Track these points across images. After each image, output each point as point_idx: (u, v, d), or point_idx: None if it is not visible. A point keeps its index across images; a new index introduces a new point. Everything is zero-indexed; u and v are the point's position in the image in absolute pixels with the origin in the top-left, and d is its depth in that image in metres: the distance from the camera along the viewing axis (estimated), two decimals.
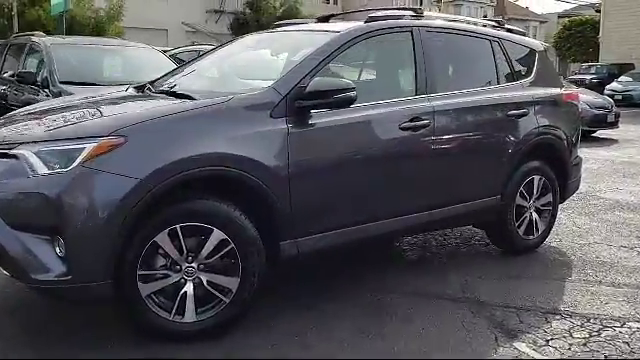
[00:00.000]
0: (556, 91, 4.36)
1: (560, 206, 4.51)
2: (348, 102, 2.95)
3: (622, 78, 21.93)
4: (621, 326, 3.02)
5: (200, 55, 4.20)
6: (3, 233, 2.42)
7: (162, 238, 2.56)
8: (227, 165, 2.65)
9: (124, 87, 3.79)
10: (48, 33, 14.13)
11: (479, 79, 3.96)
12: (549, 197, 4.21)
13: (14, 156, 2.51)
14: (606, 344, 2.82)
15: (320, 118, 2.98)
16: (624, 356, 2.71)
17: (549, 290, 3.50)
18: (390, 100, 3.35)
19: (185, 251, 2.62)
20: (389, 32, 3.50)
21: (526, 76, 4.21)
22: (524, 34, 4.51)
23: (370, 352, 2.70)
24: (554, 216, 4.34)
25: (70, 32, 14.02)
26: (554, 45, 34.98)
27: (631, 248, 4.36)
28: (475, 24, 4.16)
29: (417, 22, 3.62)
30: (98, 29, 16.53)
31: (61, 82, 6.04)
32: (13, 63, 7.51)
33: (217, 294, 2.69)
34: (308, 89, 2.88)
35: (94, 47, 7.26)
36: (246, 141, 2.72)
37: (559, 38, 34.43)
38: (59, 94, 5.66)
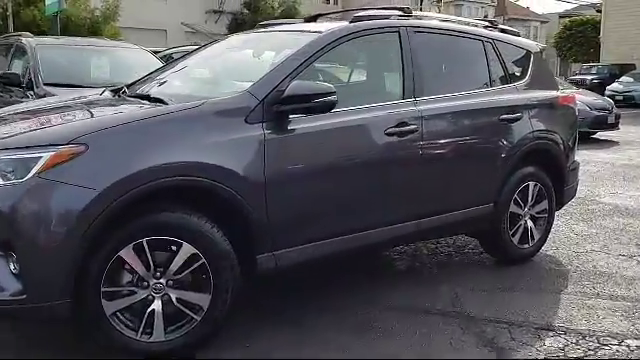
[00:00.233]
0: (552, 94, 4.19)
1: (557, 212, 4.34)
2: (328, 107, 2.78)
3: (623, 79, 21.72)
4: (619, 344, 2.85)
5: (182, 56, 4.03)
6: None
7: (127, 253, 2.40)
8: (197, 175, 2.49)
9: (100, 90, 3.63)
10: (43, 33, 14.07)
11: (470, 82, 3.79)
12: (545, 204, 4.04)
13: None
14: None
15: (300, 123, 2.82)
16: None
17: (543, 303, 3.33)
18: (375, 104, 3.19)
19: (152, 266, 2.46)
20: (375, 32, 3.34)
21: (520, 78, 4.04)
22: (518, 35, 4.33)
23: None
24: (550, 224, 4.17)
25: (65, 32, 13.87)
26: (555, 45, 34.81)
27: (630, 257, 4.19)
28: (467, 24, 3.99)
29: (405, 22, 3.45)
30: (94, 29, 16.36)
31: (46, 84, 5.89)
32: (3, 64, 7.38)
33: (187, 312, 2.53)
34: (286, 93, 2.72)
35: (82, 48, 7.08)
36: (218, 149, 2.56)
37: (560, 38, 34.24)
38: (44, 96, 5.51)
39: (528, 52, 4.19)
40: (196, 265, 2.51)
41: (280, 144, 2.74)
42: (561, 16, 46.76)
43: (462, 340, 2.86)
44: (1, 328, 2.88)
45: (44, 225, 2.22)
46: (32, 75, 6.02)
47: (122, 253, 2.39)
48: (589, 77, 24.52)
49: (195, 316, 2.54)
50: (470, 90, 3.68)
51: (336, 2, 38.25)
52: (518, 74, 4.07)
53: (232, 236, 2.62)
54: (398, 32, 3.38)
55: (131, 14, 22.49)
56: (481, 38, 3.87)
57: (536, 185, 3.95)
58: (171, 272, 2.49)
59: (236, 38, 3.89)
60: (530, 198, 3.94)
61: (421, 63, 3.40)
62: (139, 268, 2.44)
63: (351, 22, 3.29)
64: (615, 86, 20.93)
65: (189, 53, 3.93)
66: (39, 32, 14.51)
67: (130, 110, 2.81)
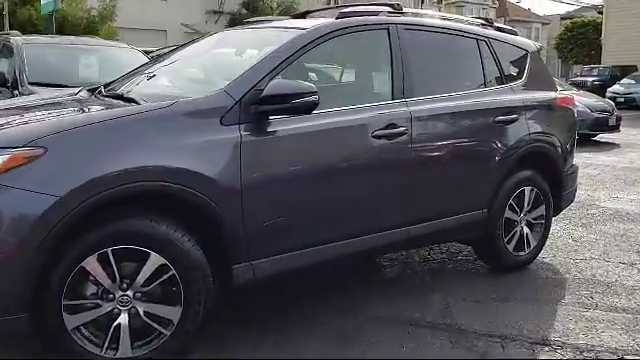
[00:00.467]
0: (550, 95, 4.02)
1: (555, 216, 4.17)
2: (309, 107, 2.62)
3: (624, 80, 21.54)
4: None
5: (164, 54, 3.87)
6: None
7: (91, 263, 2.24)
8: (167, 180, 2.32)
9: (76, 89, 3.47)
10: (39, 33, 13.92)
11: (464, 82, 3.63)
12: (542, 210, 3.88)
13: None
14: None
15: (281, 125, 2.66)
16: None
17: (539, 315, 3.17)
18: (363, 105, 3.02)
19: (118, 278, 2.30)
20: (363, 29, 3.17)
21: (517, 78, 3.87)
22: (515, 33, 4.17)
23: None
24: (547, 230, 4.00)
25: (61, 32, 13.72)
26: (556, 47, 34.61)
27: (631, 265, 4.02)
28: (461, 22, 3.82)
29: (395, 19, 3.29)
30: (90, 29, 16.21)
31: (31, 83, 5.75)
32: None
33: (156, 326, 2.36)
34: (264, 92, 2.56)
35: (70, 47, 6.92)
36: (190, 152, 2.39)
37: (561, 40, 34.03)
38: (28, 95, 5.36)
39: (525, 51, 4.02)
40: (165, 276, 2.35)
41: (258, 147, 2.58)
42: (562, 18, 46.51)
43: (451, 355, 2.69)
44: None
45: None
46: (17, 74, 5.88)
47: (85, 263, 2.23)
48: (590, 79, 24.33)
49: (164, 330, 2.37)
50: (463, 90, 3.52)
51: (336, 1, 38.05)
52: (514, 74, 3.91)
53: (205, 245, 2.46)
54: (387, 29, 3.22)
55: (130, 14, 22.35)
56: (475, 36, 3.71)
57: (532, 190, 3.78)
58: (138, 284, 2.33)
59: (218, 35, 3.72)
60: (526, 203, 3.77)
61: (411, 62, 3.24)
62: (104, 279, 2.28)
63: (337, 18, 3.13)
64: (616, 88, 20.76)
65: (171, 51, 3.77)
66: (35, 31, 14.40)
67: (96, 111, 2.65)
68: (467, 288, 3.52)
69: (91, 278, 2.27)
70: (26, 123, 2.43)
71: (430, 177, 3.28)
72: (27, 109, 2.82)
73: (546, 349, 2.78)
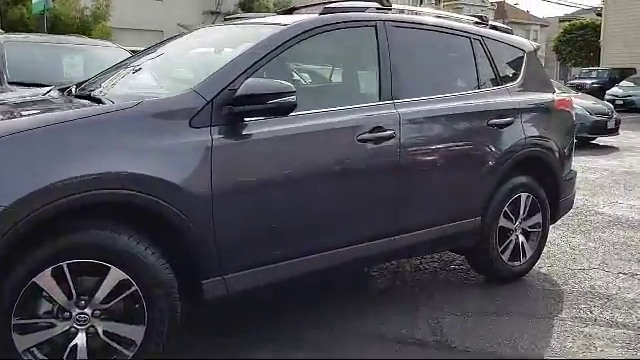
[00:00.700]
0: (547, 97, 3.83)
1: (553, 224, 3.98)
2: (287, 109, 2.43)
3: (623, 83, 21.41)
4: None
5: (141, 52, 3.68)
6: None
7: (44, 278, 2.04)
8: (128, 187, 2.12)
9: (47, 89, 3.27)
10: (31, 32, 13.70)
11: (456, 83, 3.45)
12: (538, 217, 3.69)
13: None
14: None
15: (257, 128, 2.46)
16: None
17: (534, 331, 2.98)
18: (347, 107, 2.83)
19: (75, 294, 2.10)
20: (348, 26, 2.98)
21: (512, 80, 3.68)
22: (511, 32, 3.98)
23: None
24: (544, 239, 3.81)
25: (54, 31, 13.52)
26: (554, 49, 34.50)
27: (632, 275, 3.83)
28: (454, 20, 3.63)
29: (383, 15, 3.10)
30: (83, 29, 15.98)
31: (11, 82, 5.55)
32: None
33: (117, 346, 2.17)
34: (238, 92, 2.36)
35: (54, 46, 6.73)
36: (155, 156, 2.20)
37: (559, 42, 33.91)
38: None
39: (521, 51, 3.83)
40: (127, 293, 2.15)
41: (231, 151, 2.39)
42: (561, 20, 46.40)
43: None
44: None
45: None
46: None
47: (38, 279, 2.03)
48: (589, 81, 24.18)
49: (126, 351, 2.18)
50: (455, 92, 3.34)
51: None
52: (510, 75, 3.72)
53: (172, 259, 2.26)
54: (375, 26, 3.03)
55: (126, 14, 22.16)
56: (469, 35, 3.52)
57: (528, 197, 3.60)
58: (97, 301, 2.13)
59: (198, 33, 3.53)
60: (522, 211, 3.58)
61: (400, 61, 3.05)
62: (59, 296, 2.08)
63: (321, 14, 2.94)
64: (615, 90, 20.63)
65: (149, 48, 3.57)
66: (26, 31, 14.17)
67: (54, 112, 2.45)
68: (459, 301, 3.33)
69: (44, 295, 2.07)
70: None
71: (420, 183, 3.09)
72: None
73: None
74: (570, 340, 2.88)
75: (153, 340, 2.20)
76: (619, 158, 9.40)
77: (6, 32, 9.25)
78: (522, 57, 3.81)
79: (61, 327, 2.10)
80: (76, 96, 2.84)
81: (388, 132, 2.88)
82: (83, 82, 3.28)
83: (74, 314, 2.11)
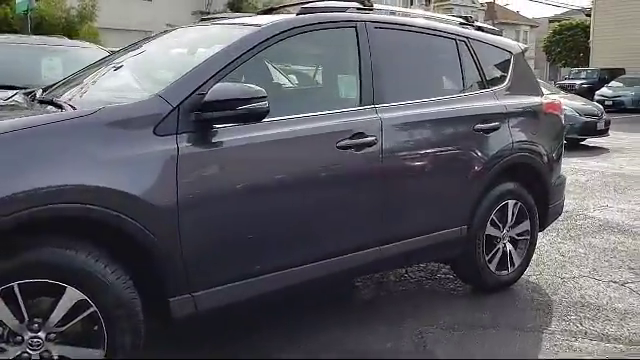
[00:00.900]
0: (535, 100, 3.71)
1: (541, 231, 3.86)
2: (259, 115, 2.29)
3: (612, 83, 21.46)
4: None
5: (116, 52, 3.52)
6: None
7: None
8: (85, 201, 1.97)
9: (12, 93, 3.11)
10: (14, 32, 13.45)
11: (441, 86, 3.32)
12: (526, 225, 3.57)
13: None
14: None
15: (228, 135, 2.32)
16: None
17: (523, 345, 2.86)
18: (326, 112, 2.69)
19: (27, 317, 1.94)
20: (327, 27, 2.84)
21: (499, 83, 3.56)
22: (498, 33, 3.86)
23: None
24: (533, 246, 3.68)
25: (38, 32, 13.27)
26: (544, 50, 34.60)
27: (622, 284, 3.72)
28: (438, 20, 3.50)
29: (364, 16, 2.96)
30: (69, 29, 15.72)
31: None
32: None
33: None
34: (206, 97, 2.22)
35: (33, 47, 6.54)
36: (116, 167, 2.05)
37: (549, 42, 34.01)
38: None
39: (508, 53, 3.71)
40: (85, 314, 2.00)
41: (200, 160, 2.24)
42: (551, 20, 46.57)
43: None
44: None
45: None
46: None
47: None
48: (578, 82, 24.22)
49: None
50: (440, 96, 3.20)
51: None
52: (497, 78, 3.60)
53: (136, 276, 2.11)
54: (355, 27, 2.89)
55: (114, 15, 21.91)
56: (454, 36, 3.39)
57: (516, 203, 3.48)
58: (52, 323, 1.97)
59: (174, 33, 3.37)
60: (509, 218, 3.46)
61: (382, 64, 2.91)
62: (9, 319, 1.92)
63: (298, 14, 2.80)
64: (604, 91, 20.67)
65: (123, 49, 3.42)
66: (10, 31, 13.91)
67: (9, 118, 2.28)
68: (445, 313, 3.20)
69: None
70: None
71: (403, 192, 2.96)
72: None
73: None
74: (560, 355, 2.75)
75: None
76: (609, 159, 9.34)
77: None
78: (509, 59, 3.68)
79: (13, 352, 1.95)
80: (39, 101, 2.68)
81: (369, 138, 2.74)
82: (51, 86, 3.12)
83: (26, 338, 1.96)
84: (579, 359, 2.43)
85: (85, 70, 3.27)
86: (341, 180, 2.70)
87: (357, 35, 2.88)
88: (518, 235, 3.55)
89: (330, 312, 3.19)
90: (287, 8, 3.58)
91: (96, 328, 2.03)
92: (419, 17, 3.40)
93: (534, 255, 3.80)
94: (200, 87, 2.27)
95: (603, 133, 10.92)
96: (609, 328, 3.06)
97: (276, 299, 2.72)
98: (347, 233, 2.75)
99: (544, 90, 4.17)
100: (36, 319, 1.96)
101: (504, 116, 3.38)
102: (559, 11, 45.47)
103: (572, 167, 8.11)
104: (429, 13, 3.70)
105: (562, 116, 3.93)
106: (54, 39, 7.18)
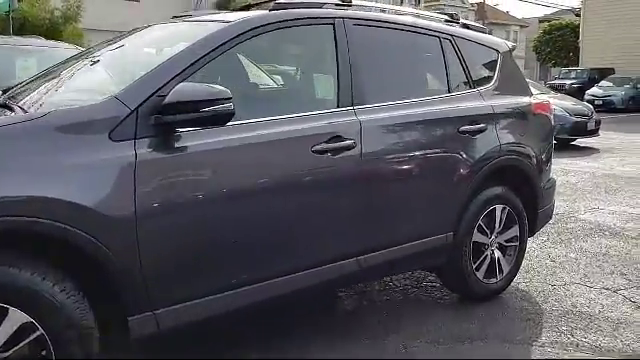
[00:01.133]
0: (523, 100, 3.57)
1: (531, 237, 3.72)
2: (224, 117, 2.12)
3: (602, 83, 21.49)
4: None
5: (84, 51, 3.34)
6: None
7: None
8: (31, 213, 1.79)
9: None
10: None
11: (424, 86, 3.17)
12: (515, 230, 3.42)
13: None
14: None
15: (192, 140, 2.15)
16: None
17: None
18: (301, 114, 2.53)
19: None
20: (302, 24, 2.68)
21: (486, 82, 3.41)
22: (485, 31, 3.71)
23: None
24: (522, 252, 3.54)
25: (21, 33, 13.01)
26: (534, 49, 34.65)
27: (615, 291, 3.58)
28: (422, 18, 3.35)
29: (342, 12, 2.80)
30: (53, 30, 15.44)
31: None
32: None
33: None
34: (167, 99, 2.05)
35: (9, 47, 6.34)
36: (66, 176, 1.87)
37: (539, 42, 34.05)
38: None
39: (495, 51, 3.56)
40: (30, 338, 1.82)
41: (160, 167, 2.07)
42: (540, 20, 46.68)
43: None
44: None
45: None
46: None
47: None
48: (568, 81, 24.23)
49: None
50: (423, 96, 3.05)
51: None
52: (483, 77, 3.45)
53: (89, 295, 1.94)
54: (333, 24, 2.73)
55: (100, 15, 21.63)
56: (438, 34, 3.24)
57: (504, 209, 3.33)
58: None
59: (139, 33, 3.18)
60: (497, 224, 3.31)
61: (362, 63, 2.76)
62: None
63: (271, 10, 2.63)
64: (594, 90, 20.68)
65: (87, 49, 3.24)
66: None
67: None
68: (430, 325, 3.04)
69: None
70: None
71: (385, 198, 2.80)
72: None
73: None
74: None
75: None
76: (600, 160, 9.24)
77: None
78: (496, 58, 3.54)
79: None
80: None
81: (348, 142, 2.58)
82: (11, 88, 2.94)
83: None
84: (576, 359, 2.27)
85: (48, 71, 3.08)
86: (318, 186, 2.53)
87: (335, 32, 2.72)
88: (506, 241, 3.40)
89: (310, 324, 3.03)
90: (263, 5, 3.42)
91: (44, 353, 1.85)
92: (403, 14, 3.24)
93: (523, 261, 3.66)
94: (161, 88, 2.10)
95: (593, 133, 10.84)
96: (602, 339, 2.91)
97: (250, 313, 2.55)
98: (325, 243, 2.59)
99: (533, 90, 4.04)
100: None
101: (491, 117, 3.23)
102: (549, 11, 45.66)
103: (562, 168, 8.00)
104: (413, 10, 3.54)
105: (551, 117, 3.78)
106: (32, 40, 6.99)
